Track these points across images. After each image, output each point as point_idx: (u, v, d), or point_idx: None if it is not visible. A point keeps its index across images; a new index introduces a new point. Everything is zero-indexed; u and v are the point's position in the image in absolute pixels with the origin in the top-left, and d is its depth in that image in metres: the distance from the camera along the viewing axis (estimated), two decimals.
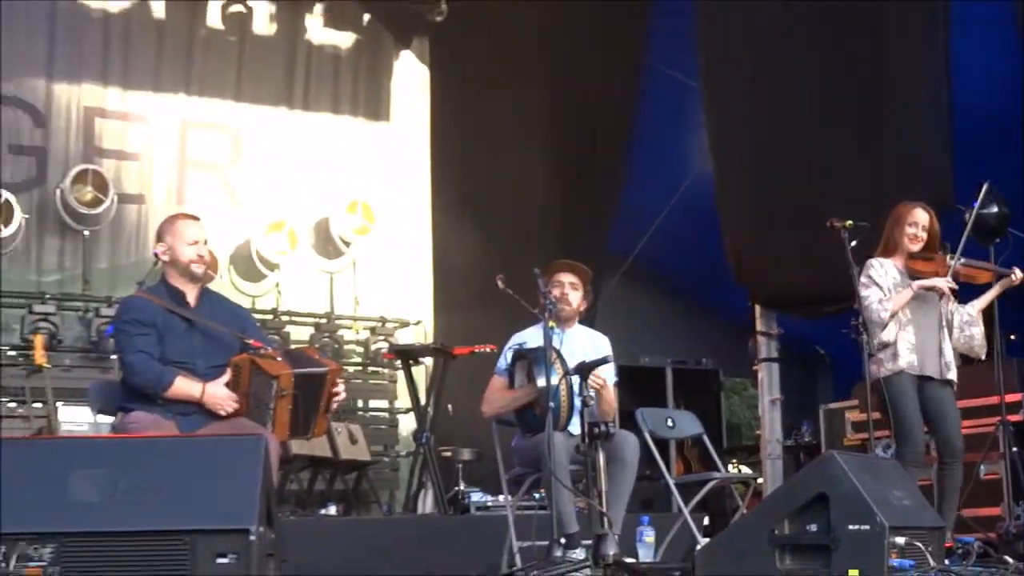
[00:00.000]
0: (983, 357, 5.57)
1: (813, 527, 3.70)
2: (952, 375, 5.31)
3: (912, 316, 5.27)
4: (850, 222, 5.17)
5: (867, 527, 3.61)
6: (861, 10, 7.76)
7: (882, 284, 5.22)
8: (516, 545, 5.30)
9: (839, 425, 7.92)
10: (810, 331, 8.78)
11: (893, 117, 7.49)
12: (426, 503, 7.98)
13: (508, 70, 9.89)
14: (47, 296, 8.52)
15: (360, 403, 9.72)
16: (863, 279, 5.36)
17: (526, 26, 9.88)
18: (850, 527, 3.63)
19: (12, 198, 8.38)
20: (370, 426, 9.53)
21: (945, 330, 5.33)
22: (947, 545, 4.28)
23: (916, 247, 5.21)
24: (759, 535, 3.82)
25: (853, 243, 5.20)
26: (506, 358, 5.47)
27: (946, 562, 4.02)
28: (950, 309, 5.43)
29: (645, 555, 5.31)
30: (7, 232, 8.25)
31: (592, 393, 5.02)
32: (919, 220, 5.20)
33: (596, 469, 4.78)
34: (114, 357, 6.26)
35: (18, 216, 8.32)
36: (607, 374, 5.25)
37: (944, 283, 5.16)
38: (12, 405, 7.61)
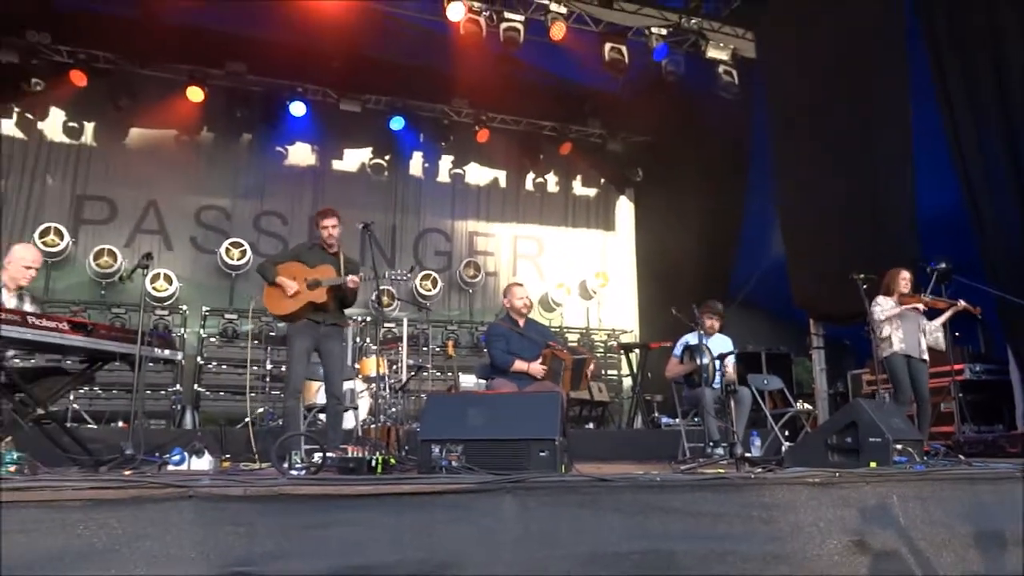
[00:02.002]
0: (943, 348, 6.53)
1: (848, 439, 4.24)
2: (926, 356, 6.29)
3: (902, 324, 6.21)
4: (862, 275, 6.12)
5: (879, 439, 4.10)
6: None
7: (883, 307, 6.24)
8: (686, 445, 6.49)
9: (858, 383, 9.26)
10: (840, 331, 9.06)
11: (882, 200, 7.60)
12: (637, 422, 9.64)
13: (674, 202, 11.41)
14: (452, 321, 10.69)
15: (603, 372, 10.97)
16: (874, 306, 6.24)
17: (685, 182, 11.16)
18: (870, 439, 4.14)
19: (438, 276, 11.03)
20: (608, 383, 10.78)
21: (921, 334, 6.30)
22: (925, 449, 4.54)
23: (906, 290, 6.27)
24: (818, 443, 4.43)
25: (864, 286, 6.11)
26: (678, 348, 6.78)
27: (924, 458, 4.29)
28: (923, 323, 6.31)
29: (755, 452, 6.44)
30: (434, 291, 10.80)
31: (724, 367, 6.46)
32: (907, 276, 6.31)
33: (728, 407, 6.20)
34: (485, 351, 6.32)
35: (440, 284, 10.97)
36: (730, 358, 6.60)
37: (920, 306, 6.23)
38: (437, 374, 9.60)
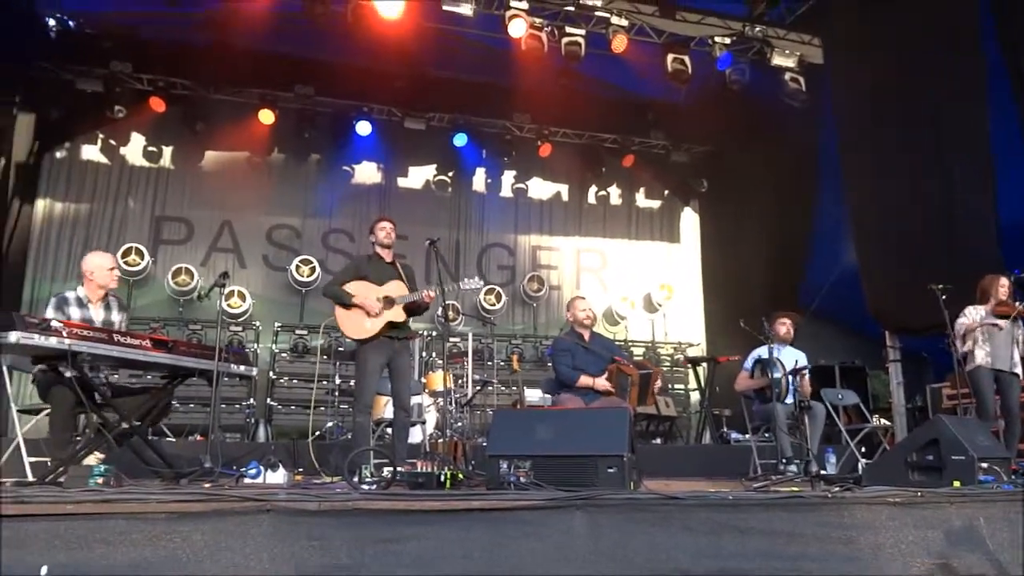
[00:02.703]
0: None
1: (930, 457, 4.11)
2: (1018, 370, 6.05)
3: (990, 336, 6.04)
4: (941, 286, 6.00)
5: (963, 457, 3.97)
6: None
7: (970, 318, 6.07)
8: (757, 462, 6.43)
9: (938, 397, 8.95)
10: (918, 343, 8.88)
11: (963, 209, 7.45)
12: (705, 437, 9.48)
13: (740, 212, 11.34)
14: (516, 335, 10.80)
15: (670, 386, 10.92)
16: (961, 317, 6.11)
17: (752, 191, 11.00)
18: (953, 457, 4.01)
19: (502, 290, 11.04)
20: (676, 397, 10.69)
21: (1015, 345, 6.11)
22: (1012, 468, 4.38)
23: (1005, 297, 6.09)
24: (898, 460, 4.28)
25: (943, 297, 5.99)
26: (749, 362, 6.68)
27: (1012, 477, 4.15)
28: (1018, 333, 6.16)
29: (830, 469, 6.09)
30: (498, 305, 10.88)
31: (800, 383, 6.30)
32: (1006, 283, 6.13)
33: (802, 423, 5.80)
34: (550, 365, 6.29)
35: (504, 298, 10.98)
36: (805, 372, 6.41)
37: (1000, 323, 6.00)
38: (502, 388, 9.46)
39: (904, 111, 8.00)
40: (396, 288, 5.49)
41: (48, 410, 4.54)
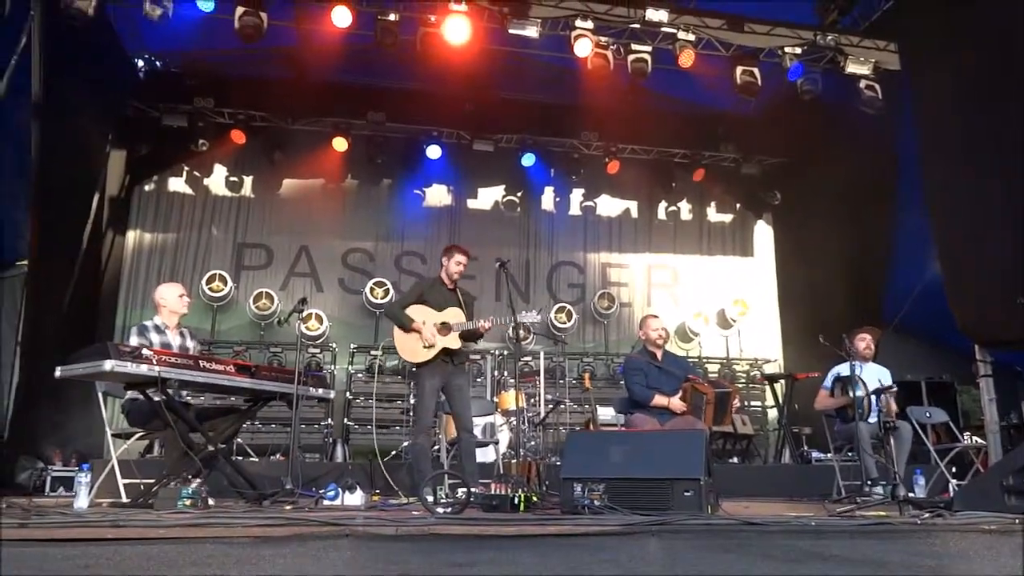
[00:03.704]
0: None
1: None
2: None
3: None
4: None
5: None
6: None
7: None
8: (840, 483, 6.20)
9: None
10: (1009, 357, 8.43)
11: None
12: (784, 456, 9.14)
13: (816, 224, 11.00)
14: (588, 353, 10.68)
15: (747, 403, 10.63)
16: None
17: (828, 202, 10.58)
18: None
19: (572, 308, 11.01)
20: (752, 415, 10.39)
21: None
22: None
23: None
24: (993, 484, 4.13)
25: None
26: (829, 380, 6.55)
27: None
28: None
29: (919, 492, 6.08)
30: (568, 324, 10.78)
31: (883, 401, 6.17)
32: None
33: (888, 444, 5.80)
34: (622, 383, 6.34)
35: (574, 316, 10.92)
36: (893, 389, 6.28)
37: None
38: (575, 407, 9.29)
39: (993, 114, 7.66)
40: (454, 315, 5.58)
41: (139, 434, 4.69)
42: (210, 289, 9.92)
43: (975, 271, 7.81)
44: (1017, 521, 3.09)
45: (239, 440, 8.34)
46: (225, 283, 10.07)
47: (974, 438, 8.40)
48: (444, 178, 11.55)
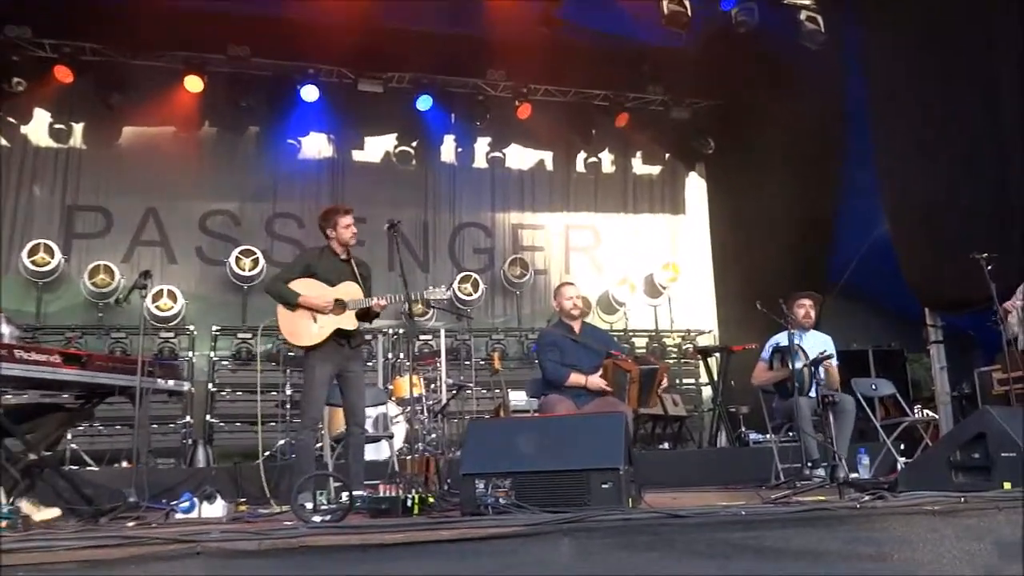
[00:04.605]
0: None
1: (976, 455, 4.18)
2: None
3: None
4: (986, 255, 6.16)
5: (1014, 454, 4.02)
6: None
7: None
8: (779, 467, 6.52)
9: (987, 383, 8.68)
10: (961, 322, 8.93)
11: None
12: (720, 439, 9.53)
13: (755, 176, 11.20)
14: (498, 330, 10.88)
15: (678, 381, 10.89)
16: (1019, 291, 6.25)
17: (768, 152, 10.87)
18: (1002, 454, 4.07)
19: (479, 277, 11.05)
20: (685, 394, 10.66)
21: None
22: None
23: None
24: (940, 460, 4.38)
25: (989, 267, 6.15)
26: (767, 351, 6.77)
27: None
28: None
29: (863, 472, 6.27)
30: (475, 296, 10.87)
31: (823, 373, 6.39)
32: None
33: (827, 421, 6.10)
34: (536, 363, 6.59)
35: (481, 287, 10.99)
36: (831, 361, 6.53)
37: None
38: (483, 392, 9.56)
39: (952, 64, 8.08)
40: (349, 291, 5.51)
41: None
42: (33, 262, 9.45)
43: (926, 229, 8.43)
44: (963, 500, 3.24)
45: (74, 446, 8.03)
46: (52, 255, 9.60)
47: (925, 411, 8.82)
48: (323, 125, 11.36)
